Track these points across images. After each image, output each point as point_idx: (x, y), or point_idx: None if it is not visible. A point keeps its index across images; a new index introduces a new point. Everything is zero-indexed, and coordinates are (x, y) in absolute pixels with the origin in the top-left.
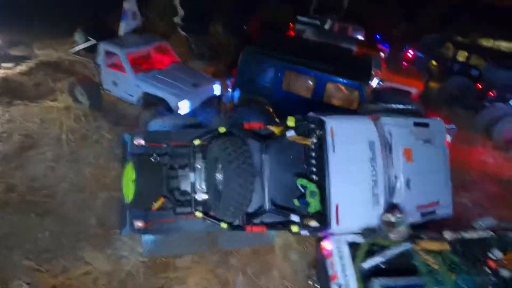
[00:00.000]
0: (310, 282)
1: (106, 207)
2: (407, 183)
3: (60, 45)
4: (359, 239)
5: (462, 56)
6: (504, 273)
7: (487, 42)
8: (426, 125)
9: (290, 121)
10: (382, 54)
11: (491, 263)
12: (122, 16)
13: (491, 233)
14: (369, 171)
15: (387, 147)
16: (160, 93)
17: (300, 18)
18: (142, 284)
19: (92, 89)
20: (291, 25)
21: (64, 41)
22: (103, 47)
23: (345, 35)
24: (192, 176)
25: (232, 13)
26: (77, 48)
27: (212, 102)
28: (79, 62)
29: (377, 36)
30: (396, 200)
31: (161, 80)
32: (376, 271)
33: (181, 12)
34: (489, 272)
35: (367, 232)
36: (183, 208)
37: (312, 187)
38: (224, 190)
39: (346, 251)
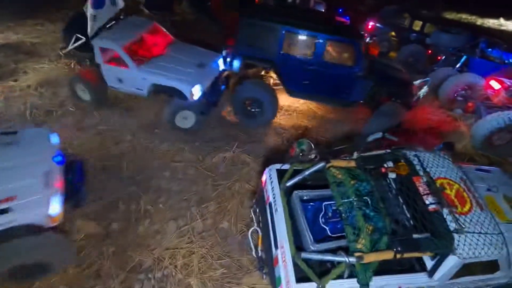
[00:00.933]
0: (252, 212)
1: None
2: None
3: (19, 27)
4: (286, 166)
5: (417, 25)
6: (391, 175)
7: (449, 14)
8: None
9: None
10: None
11: (383, 170)
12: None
13: (388, 150)
14: None
15: None
16: (170, 83)
17: None
18: None
19: (95, 85)
20: (256, 0)
21: (23, 23)
22: (96, 44)
23: (306, 8)
24: None
25: None
26: (68, 49)
27: (220, 79)
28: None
29: (339, 9)
30: None
31: (166, 67)
32: (297, 186)
33: None
34: (380, 176)
35: (291, 159)
36: None
37: None
38: None
39: (274, 176)
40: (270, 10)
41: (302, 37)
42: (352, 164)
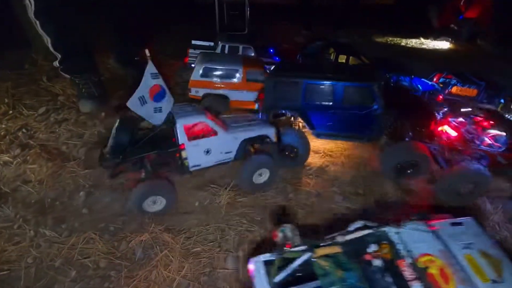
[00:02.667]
0: None
1: None
2: None
3: None
4: (273, 257)
5: (342, 59)
6: (377, 262)
7: (377, 38)
8: None
9: None
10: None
11: (368, 256)
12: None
13: (369, 230)
14: None
15: None
16: (258, 132)
17: (194, 42)
18: None
19: (171, 185)
20: (188, 50)
21: None
22: (181, 123)
23: (234, 56)
24: None
25: (120, 45)
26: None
27: None
28: None
29: (271, 50)
30: None
31: (244, 124)
32: (286, 283)
33: (57, 55)
34: (366, 264)
35: (276, 250)
36: None
37: None
38: None
39: (262, 269)
40: (292, 68)
41: (320, 87)
42: (337, 250)
